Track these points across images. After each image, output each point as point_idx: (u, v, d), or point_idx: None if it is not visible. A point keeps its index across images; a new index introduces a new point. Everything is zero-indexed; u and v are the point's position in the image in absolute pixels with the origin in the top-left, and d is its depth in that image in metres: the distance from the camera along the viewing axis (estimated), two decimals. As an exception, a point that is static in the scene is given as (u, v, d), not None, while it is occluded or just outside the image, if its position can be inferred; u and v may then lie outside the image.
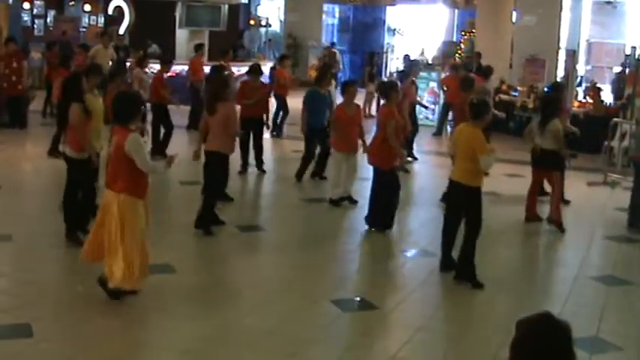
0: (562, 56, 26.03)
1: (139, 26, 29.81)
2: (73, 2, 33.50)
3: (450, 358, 8.17)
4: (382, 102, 13.58)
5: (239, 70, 25.08)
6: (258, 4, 38.55)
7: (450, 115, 22.77)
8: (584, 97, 22.49)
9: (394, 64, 34.33)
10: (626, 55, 25.18)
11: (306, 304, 9.30)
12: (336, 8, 38.22)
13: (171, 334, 8.25)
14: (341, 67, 33.00)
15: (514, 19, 27.14)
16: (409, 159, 17.47)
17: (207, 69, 22.27)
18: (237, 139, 13.25)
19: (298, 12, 36.03)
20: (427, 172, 18.14)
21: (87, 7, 33.48)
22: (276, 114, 20.86)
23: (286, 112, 21.24)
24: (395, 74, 28.81)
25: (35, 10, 32.40)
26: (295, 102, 20.99)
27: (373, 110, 24.93)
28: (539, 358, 3.89)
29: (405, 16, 37.34)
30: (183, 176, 15.42)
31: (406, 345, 8.27)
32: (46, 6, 32.62)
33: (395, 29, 37.54)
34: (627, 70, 23.67)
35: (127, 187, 8.51)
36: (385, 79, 21.65)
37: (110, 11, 30.99)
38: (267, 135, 17.18)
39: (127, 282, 8.56)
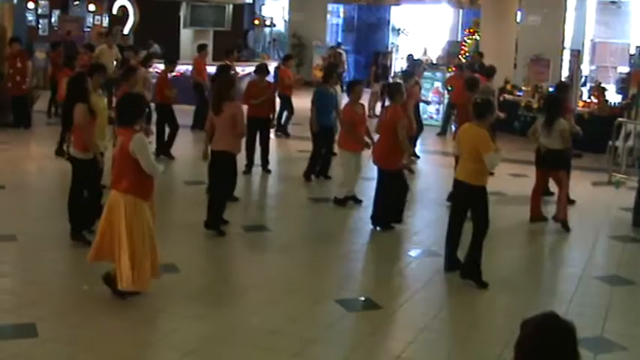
0: (566, 56, 26.03)
1: (144, 26, 29.82)
2: (77, 2, 33.50)
3: (455, 358, 8.17)
4: (386, 103, 13.53)
5: (243, 69, 25.12)
6: (263, 4, 38.55)
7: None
8: (589, 97, 22.46)
9: (398, 64, 34.31)
10: (631, 55, 25.13)
11: (310, 304, 9.30)
12: (341, 8, 38.21)
13: (176, 334, 8.25)
14: (346, 67, 32.99)
15: (519, 19, 27.13)
16: (412, 158, 17.45)
17: (210, 69, 22.31)
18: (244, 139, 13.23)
19: (303, 12, 36.01)
20: (432, 171, 18.13)
21: (91, 7, 33.48)
22: (280, 114, 20.83)
23: (291, 112, 21.23)
24: (399, 74, 28.81)
25: (40, 10, 32.43)
26: (299, 102, 21.05)
27: (377, 110, 24.89)
28: (544, 357, 3.89)
29: (409, 16, 37.33)
30: (187, 176, 15.43)
31: (411, 345, 8.27)
32: (51, 6, 32.64)
33: (399, 29, 37.53)
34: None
35: (132, 187, 8.52)
36: (391, 80, 21.56)
37: (115, 11, 31.00)
38: (271, 135, 17.12)
39: (136, 284, 8.55)
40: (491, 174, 10.66)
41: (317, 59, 34.62)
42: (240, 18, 34.41)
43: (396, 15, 37.57)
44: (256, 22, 37.72)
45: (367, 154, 13.66)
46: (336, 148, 15.10)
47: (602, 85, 23.11)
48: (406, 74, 19.30)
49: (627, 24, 31.18)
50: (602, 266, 11.64)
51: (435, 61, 32.13)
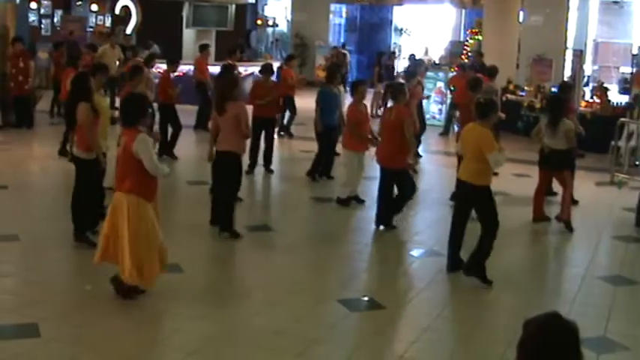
0: (569, 56, 26.03)
1: (146, 26, 29.83)
2: (80, 2, 33.51)
3: (458, 358, 8.17)
4: (389, 103, 13.50)
5: (246, 69, 25.12)
6: (265, 4, 38.56)
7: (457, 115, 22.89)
8: (591, 97, 22.45)
9: (401, 64, 34.34)
10: (633, 55, 25.13)
11: (313, 304, 9.30)
12: (344, 8, 38.21)
13: (179, 333, 8.26)
14: (349, 68, 33.03)
15: (521, 19, 27.12)
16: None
17: (212, 68, 22.31)
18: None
19: (305, 12, 36.02)
20: (434, 171, 18.13)
21: (94, 7, 33.49)
22: (282, 114, 20.81)
23: (294, 112, 21.21)
24: (401, 74, 28.82)
25: (42, 10, 32.43)
26: (302, 102, 21.05)
27: (380, 110, 24.90)
28: (546, 357, 3.88)
29: (412, 16, 37.34)
30: (190, 176, 15.44)
31: (414, 345, 8.27)
32: (53, 6, 32.64)
33: (402, 29, 37.54)
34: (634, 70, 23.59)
35: (136, 188, 8.51)
36: (396, 80, 21.52)
37: (117, 11, 31.02)
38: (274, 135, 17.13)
39: (138, 280, 8.56)
40: (495, 174, 10.63)
41: (319, 59, 34.63)
42: (243, 18, 34.42)
43: (399, 15, 37.58)
44: (259, 22, 37.74)
45: (369, 154, 13.65)
46: (339, 148, 15.10)
47: (605, 85, 23.12)
48: (408, 74, 19.28)
49: (630, 24, 31.22)
50: (604, 266, 11.64)
51: (437, 61, 32.13)
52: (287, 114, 21.14)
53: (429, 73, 24.95)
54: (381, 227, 12.53)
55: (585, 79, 26.90)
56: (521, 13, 27.11)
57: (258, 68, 20.50)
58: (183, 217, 12.74)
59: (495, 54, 24.91)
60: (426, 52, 32.97)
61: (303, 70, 32.24)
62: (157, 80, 18.49)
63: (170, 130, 17.43)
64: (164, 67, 19.02)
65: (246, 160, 15.03)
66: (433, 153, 20.05)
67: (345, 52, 33.34)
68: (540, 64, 24.57)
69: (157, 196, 8.90)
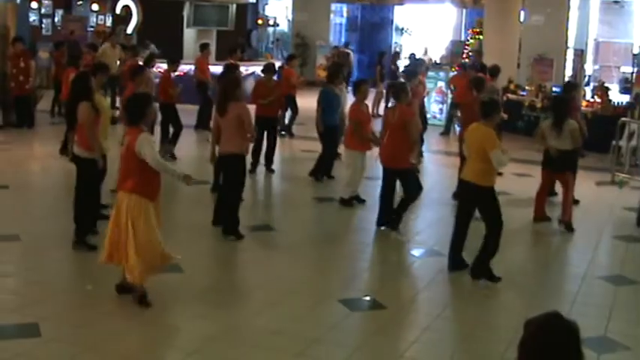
0: (570, 56, 26.02)
1: (147, 26, 29.82)
2: (81, 2, 33.52)
3: (459, 358, 8.17)
4: (389, 103, 13.46)
5: (247, 69, 25.12)
6: (266, 4, 38.56)
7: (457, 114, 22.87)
8: (592, 97, 22.44)
9: (402, 64, 34.34)
10: (634, 55, 25.13)
11: (314, 304, 9.30)
12: (344, 7, 38.23)
13: (179, 333, 8.27)
14: (352, 67, 33.09)
15: (522, 19, 27.11)
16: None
17: (213, 68, 22.33)
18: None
19: (306, 11, 36.02)
20: (435, 171, 18.13)
21: (95, 7, 33.50)
22: (284, 113, 20.80)
23: (295, 111, 21.21)
24: (402, 73, 28.81)
25: (43, 10, 32.45)
26: (303, 102, 21.03)
27: (381, 110, 24.90)
28: (547, 357, 3.88)
29: (413, 16, 37.34)
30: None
31: (414, 344, 8.27)
32: (54, 5, 32.66)
33: (403, 29, 37.54)
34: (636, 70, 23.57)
35: (138, 187, 8.49)
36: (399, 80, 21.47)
37: (118, 11, 31.02)
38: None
39: (140, 279, 8.55)
40: (500, 174, 10.62)
41: (320, 59, 34.65)
42: (244, 18, 34.41)
43: (400, 15, 37.58)
44: (260, 21, 37.74)
45: (371, 154, 13.63)
46: (341, 149, 15.09)
47: (606, 84, 23.10)
48: (410, 74, 19.25)
49: (630, 23, 31.21)
50: (605, 266, 11.64)
51: (438, 61, 32.12)
52: (288, 113, 21.14)
53: (429, 73, 24.97)
54: (382, 227, 12.50)
55: (586, 79, 26.89)
56: (522, 13, 27.09)
57: (259, 68, 20.52)
58: (183, 217, 12.73)
59: (496, 53, 24.89)
60: (426, 52, 32.93)
61: (303, 69, 32.24)
62: (157, 80, 18.49)
63: (171, 129, 17.43)
64: (164, 66, 19.03)
65: (248, 159, 15.05)
66: (434, 152, 20.05)
67: (349, 51, 33.37)
68: (541, 64, 24.56)
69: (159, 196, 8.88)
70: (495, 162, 9.87)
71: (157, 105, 12.52)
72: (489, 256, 10.08)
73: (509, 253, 11.20)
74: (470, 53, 31.25)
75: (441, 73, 25.94)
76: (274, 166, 16.64)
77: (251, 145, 12.96)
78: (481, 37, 30.23)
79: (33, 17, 31.97)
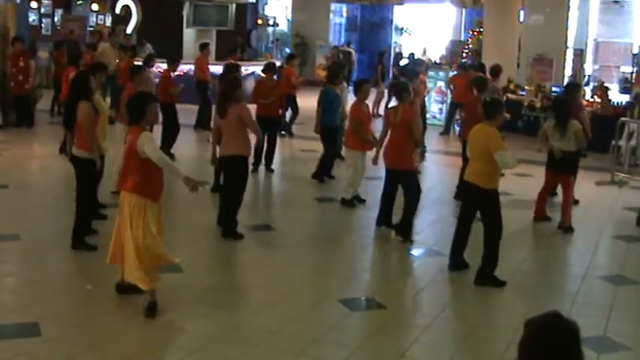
0: (570, 55, 26.04)
1: (147, 25, 29.82)
2: (80, 1, 33.52)
3: (458, 357, 8.16)
4: (390, 103, 13.40)
5: (246, 69, 25.13)
6: (266, 4, 38.58)
7: (457, 114, 22.85)
8: (592, 97, 22.44)
9: (402, 63, 34.37)
10: (634, 55, 25.14)
11: (314, 304, 9.29)
12: (344, 7, 38.27)
13: (179, 333, 8.27)
14: (355, 66, 33.13)
15: (521, 19, 27.12)
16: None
17: (212, 68, 22.34)
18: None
19: (306, 11, 36.07)
20: (435, 171, 18.12)
21: (94, 7, 33.50)
22: (284, 113, 20.79)
23: (296, 111, 21.21)
24: (399, 68, 28.84)
25: (43, 10, 32.46)
26: (303, 101, 21.04)
27: (381, 110, 24.90)
28: (547, 357, 3.88)
29: (412, 16, 37.35)
30: (190, 175, 15.38)
31: (414, 344, 8.27)
32: (54, 5, 32.66)
33: (403, 28, 37.55)
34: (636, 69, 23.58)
35: (139, 187, 8.44)
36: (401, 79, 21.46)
37: (118, 10, 31.02)
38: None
39: (140, 282, 8.52)
40: (501, 175, 10.59)
41: (320, 59, 34.68)
42: (244, 17, 34.43)
43: (399, 14, 37.59)
44: (259, 21, 37.75)
45: (371, 154, 13.60)
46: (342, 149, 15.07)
47: (605, 84, 23.10)
48: (412, 74, 19.23)
49: (630, 23, 31.22)
50: (605, 266, 11.63)
51: (437, 61, 32.13)
52: (288, 113, 21.12)
53: (429, 73, 24.97)
54: (382, 227, 12.47)
55: (586, 79, 26.90)
56: (522, 13, 27.11)
57: (259, 68, 20.52)
58: (183, 217, 12.72)
59: (496, 53, 24.90)
60: (424, 52, 32.92)
61: (303, 69, 32.26)
62: (156, 80, 18.50)
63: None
64: (162, 66, 19.04)
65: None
66: (434, 152, 20.02)
67: (351, 50, 33.40)
68: (541, 64, 24.59)
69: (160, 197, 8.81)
70: (500, 163, 9.81)
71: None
72: (493, 265, 10.05)
73: (510, 253, 11.19)
74: (468, 53, 31.23)
75: (441, 73, 25.95)
76: (274, 166, 16.63)
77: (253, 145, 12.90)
78: (481, 36, 30.25)
79: (33, 17, 31.98)
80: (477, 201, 10.23)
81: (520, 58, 26.65)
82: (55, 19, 32.70)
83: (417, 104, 16.00)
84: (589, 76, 28.39)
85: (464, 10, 35.12)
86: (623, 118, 18.58)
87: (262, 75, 17.41)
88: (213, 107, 14.51)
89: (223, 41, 27.92)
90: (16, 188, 14.16)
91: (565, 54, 25.94)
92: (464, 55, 31.37)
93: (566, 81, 24.72)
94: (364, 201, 13.96)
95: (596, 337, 8.50)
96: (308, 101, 21.54)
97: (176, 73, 18.69)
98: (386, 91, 25.87)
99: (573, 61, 25.74)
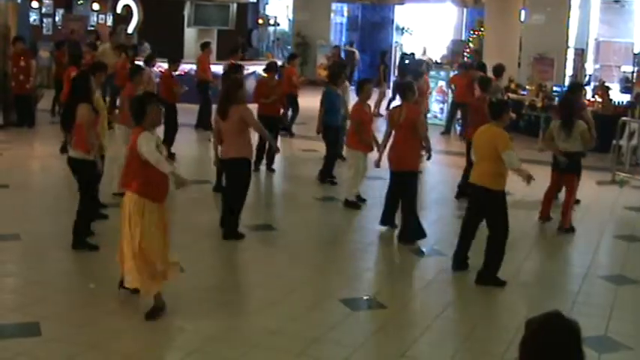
0: (570, 55, 26.02)
1: (148, 25, 29.81)
2: (81, 1, 33.53)
3: (459, 357, 8.16)
4: (393, 102, 13.34)
5: (247, 69, 25.12)
6: (267, 3, 38.56)
7: (459, 114, 22.85)
8: (593, 96, 22.42)
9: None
10: (635, 54, 25.12)
11: (315, 304, 9.29)
12: (345, 7, 38.23)
13: (180, 333, 8.26)
14: (360, 66, 33.16)
15: (522, 18, 27.11)
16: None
17: (213, 67, 22.35)
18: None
19: (307, 11, 36.04)
20: (435, 171, 18.09)
21: (95, 6, 33.52)
22: (286, 112, 20.78)
23: (296, 111, 21.18)
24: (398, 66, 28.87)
25: (44, 9, 32.48)
26: (304, 101, 21.03)
27: (382, 110, 24.89)
28: (548, 357, 3.87)
29: (413, 15, 37.33)
30: (192, 175, 15.41)
31: (415, 344, 8.27)
32: (55, 5, 32.68)
33: (403, 28, 37.53)
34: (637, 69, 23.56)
35: (140, 188, 8.38)
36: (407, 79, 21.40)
37: (119, 10, 31.01)
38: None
39: (138, 284, 8.49)
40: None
41: (321, 58, 34.66)
42: (245, 17, 34.40)
43: (400, 14, 37.56)
44: (260, 21, 37.73)
45: (372, 155, 13.57)
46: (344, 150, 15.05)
47: (606, 84, 23.08)
48: (415, 74, 19.17)
49: (631, 23, 31.17)
50: (606, 265, 11.63)
51: (438, 60, 32.11)
52: (289, 112, 21.11)
53: (431, 72, 24.95)
54: (385, 227, 12.43)
55: (587, 78, 26.87)
56: (523, 12, 27.08)
57: (260, 67, 20.50)
58: (184, 217, 12.70)
59: (497, 53, 24.88)
60: (424, 52, 32.88)
61: (304, 69, 32.24)
62: (157, 80, 18.50)
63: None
64: (164, 66, 19.04)
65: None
66: (435, 152, 19.86)
67: (354, 50, 33.40)
68: (542, 63, 24.58)
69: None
70: (508, 163, 9.72)
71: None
72: (497, 265, 10.03)
73: (510, 253, 11.17)
74: (468, 52, 31.21)
75: (442, 73, 25.94)
76: (275, 166, 16.62)
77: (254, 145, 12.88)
78: (482, 34, 30.23)
79: (34, 17, 31.99)
80: (484, 203, 10.12)
81: (521, 58, 26.61)
82: (56, 18, 32.72)
83: (422, 104, 15.99)
84: (590, 75, 28.35)
85: (465, 10, 35.06)
86: (623, 118, 18.58)
87: (263, 74, 17.40)
88: (214, 107, 14.49)
89: (224, 41, 27.90)
90: (16, 188, 14.16)
91: (566, 53, 25.92)
92: (464, 54, 31.34)
93: (567, 81, 24.77)
94: (365, 201, 13.94)
95: (597, 336, 8.49)
96: (309, 101, 21.54)
97: (177, 72, 18.68)
98: (388, 90, 25.86)
99: (574, 60, 25.72)
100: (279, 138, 17.07)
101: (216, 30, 28.81)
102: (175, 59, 18.42)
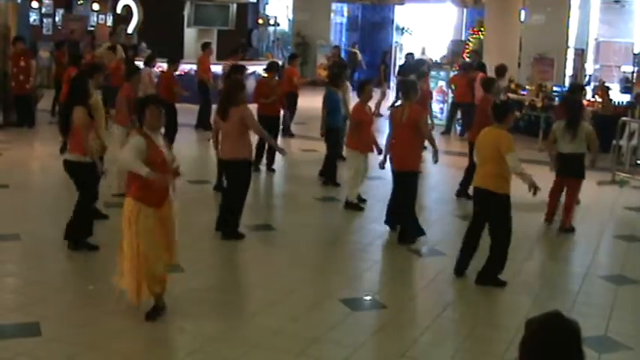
0: (570, 55, 26.03)
1: (148, 25, 29.82)
2: (81, 1, 33.55)
3: (459, 357, 8.16)
4: (395, 102, 13.31)
5: (247, 69, 25.14)
6: (267, 3, 38.57)
7: (459, 114, 22.87)
8: (593, 96, 22.42)
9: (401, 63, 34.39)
10: (635, 54, 25.13)
11: (315, 304, 9.29)
12: (345, 7, 38.25)
13: (179, 333, 8.26)
14: (364, 67, 33.17)
15: (522, 18, 27.12)
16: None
17: (213, 68, 22.35)
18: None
19: (307, 11, 36.07)
20: (436, 171, 18.06)
21: (95, 6, 33.55)
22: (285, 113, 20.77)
23: (294, 109, 21.14)
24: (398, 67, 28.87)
25: (44, 9, 32.52)
26: (303, 101, 21.02)
27: (382, 110, 24.87)
28: (548, 356, 3.87)
29: (413, 15, 37.35)
30: (191, 175, 15.43)
31: (415, 344, 8.27)
32: (55, 5, 32.72)
33: (403, 28, 37.55)
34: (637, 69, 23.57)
35: (136, 191, 8.33)
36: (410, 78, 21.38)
37: (119, 10, 31.03)
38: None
39: (133, 293, 8.44)
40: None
41: (321, 58, 34.67)
42: (244, 17, 34.40)
43: (400, 14, 37.58)
44: (260, 21, 37.74)
45: (374, 155, 13.57)
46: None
47: (606, 84, 23.09)
48: (420, 73, 19.11)
49: (631, 23, 31.20)
50: (606, 265, 11.63)
51: (438, 60, 32.12)
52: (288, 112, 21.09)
53: (431, 72, 24.95)
54: (387, 227, 12.41)
55: (587, 79, 26.90)
56: (523, 12, 27.10)
57: (260, 67, 20.48)
58: (184, 217, 12.64)
59: (497, 53, 24.91)
60: (423, 52, 32.89)
61: (304, 69, 32.24)
62: (156, 80, 18.52)
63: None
64: (164, 66, 19.04)
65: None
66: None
67: (356, 51, 33.42)
68: (542, 63, 24.59)
69: (165, 203, 8.53)
70: (511, 164, 9.59)
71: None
72: (498, 268, 10.01)
73: (510, 253, 11.16)
74: (467, 53, 31.22)
75: (442, 73, 25.94)
76: (275, 166, 16.62)
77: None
78: (481, 36, 30.24)
79: (34, 17, 32.01)
80: (488, 206, 10.04)
81: (521, 58, 26.63)
82: (56, 18, 32.76)
83: (427, 104, 15.97)
84: (590, 75, 28.38)
85: (465, 10, 35.08)
86: (624, 118, 18.60)
87: (263, 74, 17.38)
88: (214, 107, 14.48)
89: (224, 41, 27.91)
90: (16, 188, 14.16)
91: (566, 53, 25.94)
92: (467, 55, 31.37)
93: (567, 81, 24.78)
94: (365, 200, 13.93)
95: (597, 336, 8.49)
96: (308, 101, 21.55)
97: (177, 72, 18.68)
98: (388, 91, 25.85)
99: (574, 60, 25.74)
100: (279, 138, 17.07)
101: (216, 30, 28.81)
102: (174, 59, 18.41)
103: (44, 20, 32.51)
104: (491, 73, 20.11)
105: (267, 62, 19.81)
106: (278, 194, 16.00)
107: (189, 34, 28.87)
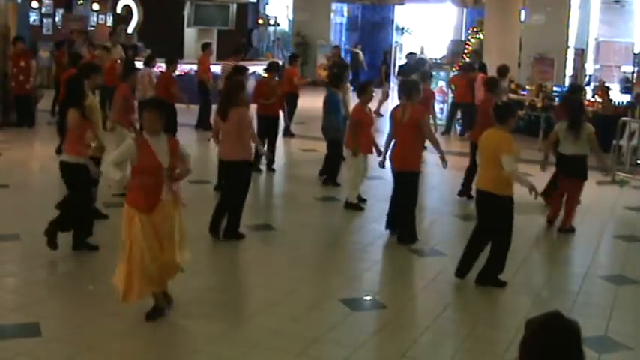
0: (570, 55, 26.02)
1: (148, 25, 29.82)
2: (81, 1, 33.54)
3: (459, 357, 8.16)
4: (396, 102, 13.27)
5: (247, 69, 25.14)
6: (267, 3, 38.55)
7: (459, 114, 22.88)
8: (593, 96, 22.41)
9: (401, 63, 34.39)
10: (635, 54, 25.13)
11: (315, 304, 9.29)
12: (345, 7, 38.26)
13: (180, 333, 8.27)
14: (365, 67, 33.19)
15: (522, 18, 27.11)
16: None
17: (213, 68, 22.35)
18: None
19: (307, 11, 36.08)
20: (436, 171, 18.06)
21: (95, 6, 33.54)
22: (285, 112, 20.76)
23: (293, 109, 21.12)
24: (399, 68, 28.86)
25: (44, 9, 32.51)
26: (303, 101, 21.01)
27: (383, 110, 24.91)
28: (548, 356, 3.88)
29: (413, 15, 37.36)
30: (192, 176, 15.37)
31: (415, 344, 8.27)
32: (55, 5, 32.71)
33: (403, 28, 37.55)
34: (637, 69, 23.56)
35: (130, 195, 8.32)
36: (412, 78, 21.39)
37: (119, 10, 31.02)
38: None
39: (126, 294, 8.37)
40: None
41: (321, 58, 34.68)
42: (245, 17, 34.38)
43: (400, 14, 37.59)
44: (260, 21, 37.73)
45: (374, 156, 13.56)
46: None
47: (606, 84, 23.07)
48: (424, 74, 19.08)
49: (631, 23, 31.19)
50: (606, 265, 11.63)
51: (438, 60, 32.12)
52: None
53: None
54: (388, 230, 12.37)
55: (587, 79, 26.89)
56: (523, 12, 27.09)
57: (260, 67, 20.47)
58: (184, 217, 12.68)
59: (497, 53, 24.92)
60: (422, 52, 32.87)
61: (304, 69, 32.22)
62: (155, 80, 18.53)
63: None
64: (164, 66, 19.04)
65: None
66: (435, 152, 19.96)
67: (359, 51, 33.43)
68: (542, 63, 24.58)
69: (162, 205, 8.38)
70: (505, 166, 9.47)
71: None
72: (498, 268, 10.00)
73: (510, 253, 11.17)
74: (467, 53, 31.21)
75: (442, 73, 25.94)
76: (275, 166, 16.61)
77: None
78: (481, 36, 30.24)
79: (34, 17, 32.01)
80: (489, 208, 9.99)
81: (521, 58, 26.61)
82: (56, 18, 32.75)
83: (430, 105, 15.96)
84: (590, 75, 28.38)
85: (465, 10, 35.07)
86: (624, 118, 18.60)
87: (263, 75, 17.37)
88: (214, 107, 14.48)
89: (224, 41, 27.90)
90: (16, 188, 14.17)
91: (566, 53, 25.92)
92: (467, 55, 31.37)
93: (567, 81, 24.77)
94: (365, 201, 13.93)
95: (597, 336, 8.49)
96: (308, 101, 21.54)
97: (176, 72, 18.68)
98: (389, 91, 25.84)
99: (574, 60, 25.72)
100: (278, 138, 17.07)
101: (216, 30, 28.82)
102: (173, 60, 18.40)
103: (44, 20, 32.51)
104: (492, 73, 20.09)
105: (267, 62, 19.78)
106: (278, 194, 15.99)
107: (189, 34, 28.87)
